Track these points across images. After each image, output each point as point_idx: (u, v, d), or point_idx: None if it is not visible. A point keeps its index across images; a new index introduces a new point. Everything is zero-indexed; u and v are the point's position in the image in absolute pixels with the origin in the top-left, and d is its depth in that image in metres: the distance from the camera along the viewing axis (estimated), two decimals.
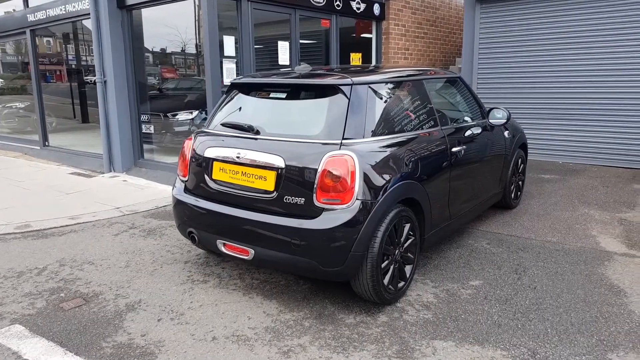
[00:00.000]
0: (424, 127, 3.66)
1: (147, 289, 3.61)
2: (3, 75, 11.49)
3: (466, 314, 3.16)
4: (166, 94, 7.88)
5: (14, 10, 9.63)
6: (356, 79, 3.25)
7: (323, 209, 2.98)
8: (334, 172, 2.94)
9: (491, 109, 4.53)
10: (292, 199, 3.07)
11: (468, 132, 4.19)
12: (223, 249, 3.40)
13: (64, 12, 8.09)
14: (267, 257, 3.19)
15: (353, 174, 2.95)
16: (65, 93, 9.92)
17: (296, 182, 3.06)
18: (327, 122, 3.15)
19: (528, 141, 8.16)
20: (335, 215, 2.95)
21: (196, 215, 3.51)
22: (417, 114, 3.67)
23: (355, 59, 8.59)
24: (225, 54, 6.38)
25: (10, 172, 7.87)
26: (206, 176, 3.50)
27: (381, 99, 3.40)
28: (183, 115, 7.71)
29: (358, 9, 8.36)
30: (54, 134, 9.74)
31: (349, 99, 3.16)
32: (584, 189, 6.20)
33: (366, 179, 3.00)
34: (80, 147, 8.82)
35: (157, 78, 7.77)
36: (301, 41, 7.56)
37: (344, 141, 3.04)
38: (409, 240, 3.40)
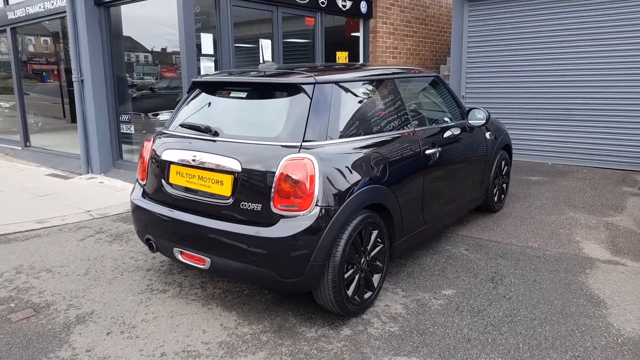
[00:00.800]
0: (395, 128, 3.48)
1: (102, 299, 3.43)
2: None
3: (435, 326, 2.98)
4: (146, 94, 7.68)
5: None
6: (320, 78, 3.06)
7: (281, 216, 2.80)
8: (292, 177, 2.76)
9: (470, 109, 4.35)
10: (249, 205, 2.89)
11: (445, 134, 4.01)
12: (180, 258, 3.22)
13: (43, 10, 7.90)
14: (224, 266, 3.00)
15: (312, 178, 2.76)
16: (55, 92, 9.73)
17: (253, 187, 2.88)
18: (287, 123, 2.96)
19: (517, 142, 8.04)
20: (294, 223, 2.77)
21: (153, 221, 3.33)
22: (388, 114, 3.48)
23: (342, 57, 8.41)
24: (203, 52, 6.19)
25: None
26: (163, 180, 3.32)
27: (348, 98, 3.21)
28: (165, 115, 7.51)
29: (344, 6, 8.17)
30: (41, 134, 9.54)
31: (311, 99, 2.98)
32: (572, 192, 6.01)
33: (328, 183, 2.81)
34: (64, 147, 8.61)
35: (139, 77, 7.57)
36: (285, 40, 7.38)
37: (304, 143, 2.86)
38: (377, 248, 3.22)
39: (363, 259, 3.10)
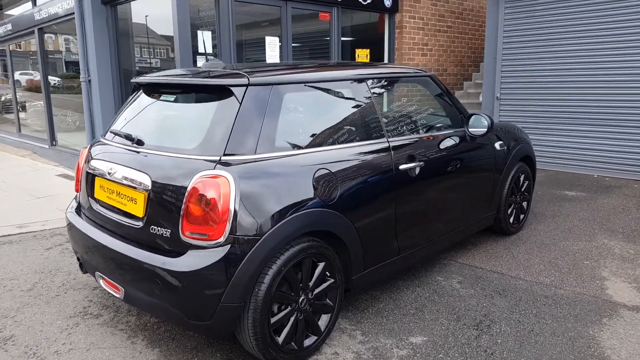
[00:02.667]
0: (358, 139, 2.89)
1: (30, 322, 3.09)
2: (63, 75, 11.51)
3: None
4: None
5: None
6: (256, 79, 2.55)
7: (190, 245, 2.32)
8: (203, 199, 2.27)
9: (470, 115, 3.66)
10: (159, 230, 2.42)
11: (432, 145, 3.37)
12: (101, 283, 2.82)
13: (62, 10, 7.86)
14: (137, 298, 2.56)
15: (227, 201, 2.26)
16: None
17: (163, 208, 2.41)
18: (209, 133, 2.47)
19: (556, 150, 7.10)
20: (201, 255, 2.27)
21: (80, 240, 2.95)
22: (349, 122, 2.91)
23: (362, 56, 7.81)
24: (200, 50, 5.82)
25: (1, 173, 7.74)
26: (89, 194, 2.93)
27: (293, 104, 2.68)
28: None
29: (365, 0, 7.57)
30: (75, 132, 9.58)
31: (241, 104, 2.47)
32: (613, 212, 5.12)
33: (249, 207, 2.30)
34: None
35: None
36: (297, 37, 6.90)
37: (224, 158, 2.36)
38: (325, 284, 2.67)
39: (303, 298, 2.55)
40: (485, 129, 3.57)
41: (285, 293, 2.47)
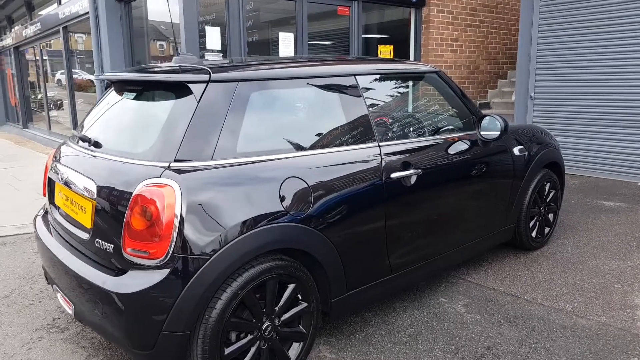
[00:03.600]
0: (340, 143, 2.54)
1: None
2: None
3: None
4: None
5: None
6: (218, 74, 2.24)
7: (132, 264, 2.04)
8: (145, 210, 1.98)
9: (483, 116, 3.23)
10: (103, 244, 2.16)
11: (434, 150, 2.97)
12: (58, 296, 2.59)
13: (81, 9, 7.84)
14: (85, 317, 2.31)
15: (171, 214, 1.96)
16: None
17: (107, 219, 2.15)
18: (161, 136, 2.19)
19: (597, 155, 6.44)
20: (140, 276, 1.99)
21: (40, 248, 2.74)
22: (330, 124, 2.56)
23: (385, 52, 7.40)
24: (208, 47, 5.60)
25: (22, 170, 7.80)
26: (50, 200, 2.72)
27: (263, 103, 2.36)
28: None
29: None
30: None
31: (199, 102, 2.17)
32: None
33: (197, 222, 2.00)
34: None
35: None
36: (314, 33, 6.58)
37: (174, 164, 2.07)
38: (297, 308, 2.34)
39: (268, 325, 2.23)
40: (498, 132, 3.14)
41: (244, 319, 2.16)
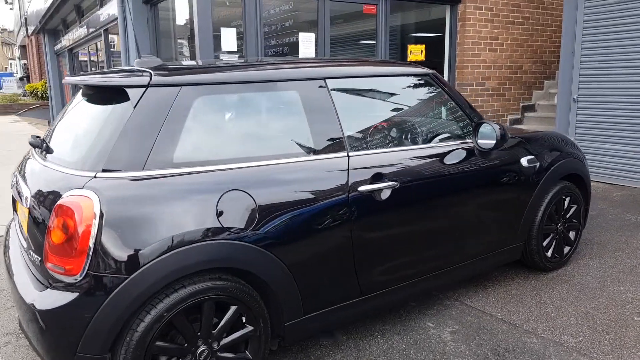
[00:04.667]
0: (300, 152, 2.33)
1: None
2: None
3: None
4: None
5: None
6: (160, 78, 2.11)
7: (53, 279, 1.94)
8: (64, 223, 1.87)
9: (479, 123, 2.90)
10: (33, 256, 2.08)
11: (420, 160, 2.69)
12: None
13: (117, 12, 8.04)
14: (23, 327, 2.24)
15: (88, 228, 1.84)
16: None
17: (37, 230, 2.07)
18: (94, 143, 2.07)
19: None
20: (55, 293, 1.89)
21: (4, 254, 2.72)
22: (289, 132, 2.36)
23: (415, 52, 7.05)
24: (224, 48, 5.52)
25: None
26: (13, 207, 2.70)
27: (208, 108, 2.19)
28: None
29: None
30: None
31: (135, 108, 2.04)
32: None
33: (117, 237, 1.87)
34: None
35: None
36: (338, 33, 6.36)
37: (101, 174, 1.95)
38: (240, 332, 2.16)
39: (204, 349, 2.07)
40: (494, 141, 2.80)
41: (173, 343, 2.01)
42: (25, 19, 17.21)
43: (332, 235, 2.35)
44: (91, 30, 10.10)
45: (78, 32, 11.46)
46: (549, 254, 3.52)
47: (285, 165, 2.25)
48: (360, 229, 2.43)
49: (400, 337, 2.77)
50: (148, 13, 6.74)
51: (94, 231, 1.84)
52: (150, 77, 2.09)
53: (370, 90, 2.74)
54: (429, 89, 2.97)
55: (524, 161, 3.19)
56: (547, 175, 3.33)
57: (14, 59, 35.86)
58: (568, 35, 6.46)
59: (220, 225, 2.02)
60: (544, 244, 3.47)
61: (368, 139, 2.62)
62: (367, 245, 2.48)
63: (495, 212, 3.07)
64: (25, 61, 28.08)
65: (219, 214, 2.03)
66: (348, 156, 2.45)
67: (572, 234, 3.69)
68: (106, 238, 1.85)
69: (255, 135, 2.27)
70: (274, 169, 2.21)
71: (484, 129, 2.86)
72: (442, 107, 3.00)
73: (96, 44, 10.59)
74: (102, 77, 2.25)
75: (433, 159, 2.75)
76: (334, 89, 2.52)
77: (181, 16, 6.60)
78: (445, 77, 7.59)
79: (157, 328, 1.92)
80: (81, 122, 2.32)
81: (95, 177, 1.93)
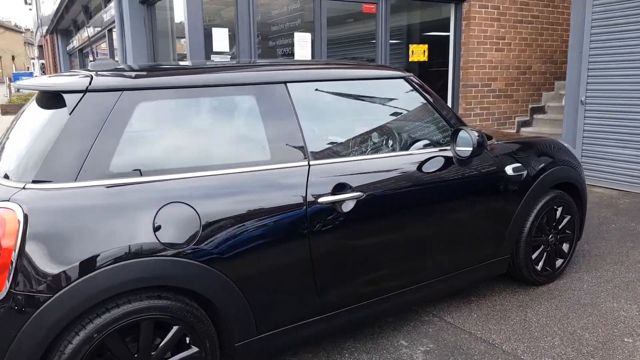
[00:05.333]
0: (254, 161, 2.20)
1: None
2: None
3: None
4: None
5: None
6: (100, 81, 1.99)
7: None
8: None
9: (457, 129, 2.72)
10: None
11: (391, 169, 2.53)
12: None
13: (117, 13, 8.01)
14: None
15: (10, 243, 1.73)
16: None
17: None
18: (28, 152, 1.97)
19: None
20: None
21: None
22: (239, 139, 2.23)
23: (418, 52, 6.86)
24: (215, 49, 5.41)
25: None
26: None
27: (152, 115, 2.08)
28: None
29: None
30: None
31: (70, 115, 1.93)
32: None
33: (41, 253, 1.76)
34: None
35: None
36: (335, 32, 6.21)
37: (30, 185, 1.84)
38: (183, 354, 2.03)
39: None
40: (471, 148, 2.62)
41: None
42: (41, 19, 17.46)
43: (287, 250, 2.20)
44: (96, 30, 10.13)
45: (86, 33, 11.52)
46: (539, 267, 3.32)
47: (235, 176, 2.11)
48: (320, 243, 2.28)
49: (369, 357, 2.61)
50: (145, 13, 6.68)
51: (17, 246, 1.73)
52: (90, 81, 1.98)
53: (338, 95, 2.59)
54: (404, 93, 2.80)
55: (508, 169, 3.00)
56: (536, 184, 3.13)
57: (35, 59, 36.54)
58: (576, 33, 6.19)
59: (157, 241, 1.90)
60: (534, 256, 3.28)
61: (333, 147, 2.47)
62: (329, 260, 2.33)
63: (475, 224, 2.89)
64: (43, 61, 28.54)
65: (157, 228, 1.91)
66: (309, 165, 2.30)
67: (565, 246, 3.48)
68: (30, 254, 1.74)
69: (203, 143, 2.14)
70: (221, 180, 2.08)
71: (462, 135, 2.68)
72: (419, 113, 2.83)
73: (102, 44, 10.62)
74: (43, 81, 2.15)
75: (406, 168, 2.59)
76: (296, 94, 2.37)
77: (177, 16, 6.53)
78: (450, 78, 7.38)
79: (87, 350, 1.81)
80: (24, 129, 2.22)
81: (24, 188, 1.83)
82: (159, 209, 1.93)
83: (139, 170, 1.97)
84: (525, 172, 3.08)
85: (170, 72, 2.19)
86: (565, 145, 3.58)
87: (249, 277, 2.11)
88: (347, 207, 2.34)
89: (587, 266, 3.69)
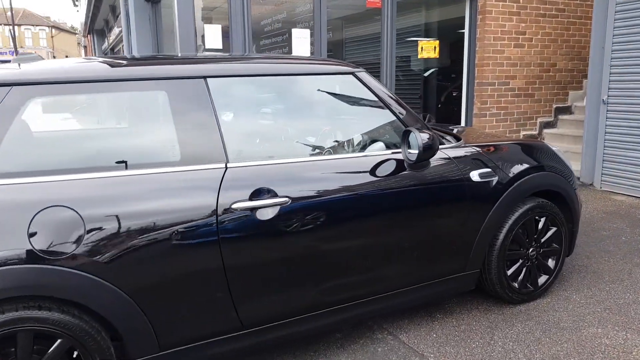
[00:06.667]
0: (154, 162, 2.02)
1: None
2: None
3: None
4: None
5: None
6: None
7: None
8: None
9: (407, 131, 2.44)
10: None
11: (329, 173, 2.30)
12: None
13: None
14: None
15: None
16: None
17: None
18: None
19: None
20: None
21: None
22: (143, 138, 2.05)
23: (428, 48, 6.51)
24: (207, 46, 5.30)
25: None
26: None
27: (45, 110, 1.94)
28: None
29: None
30: None
31: None
32: None
33: None
34: None
35: None
36: (337, 30, 5.97)
37: None
38: None
39: None
40: (416, 152, 2.35)
41: None
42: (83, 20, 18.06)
43: (194, 261, 2.02)
44: (118, 29, 10.29)
45: (114, 32, 11.76)
46: (517, 283, 2.99)
47: (128, 178, 1.94)
48: (235, 253, 2.08)
49: None
50: (150, 11, 6.67)
51: None
52: None
53: (271, 91, 2.38)
54: (352, 90, 2.55)
55: (474, 175, 2.69)
56: (510, 191, 2.81)
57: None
58: (598, 27, 5.70)
59: (31, 248, 1.75)
60: (510, 272, 2.95)
61: (259, 149, 2.27)
62: (246, 272, 2.13)
63: (433, 235, 2.61)
64: None
65: (32, 234, 1.76)
66: (226, 167, 2.11)
67: (551, 262, 3.13)
68: None
69: (99, 143, 1.99)
70: (112, 183, 1.91)
71: (411, 137, 2.41)
72: (368, 112, 2.58)
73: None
74: None
75: (347, 172, 2.35)
76: (217, 90, 2.19)
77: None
78: (464, 75, 6.99)
79: None
80: None
81: None
82: (37, 213, 1.78)
83: (20, 170, 1.83)
84: (495, 179, 2.76)
85: (70, 66, 2.05)
86: (554, 149, 3.22)
87: (146, 289, 1.94)
88: (269, 214, 2.13)
89: (580, 284, 3.31)
